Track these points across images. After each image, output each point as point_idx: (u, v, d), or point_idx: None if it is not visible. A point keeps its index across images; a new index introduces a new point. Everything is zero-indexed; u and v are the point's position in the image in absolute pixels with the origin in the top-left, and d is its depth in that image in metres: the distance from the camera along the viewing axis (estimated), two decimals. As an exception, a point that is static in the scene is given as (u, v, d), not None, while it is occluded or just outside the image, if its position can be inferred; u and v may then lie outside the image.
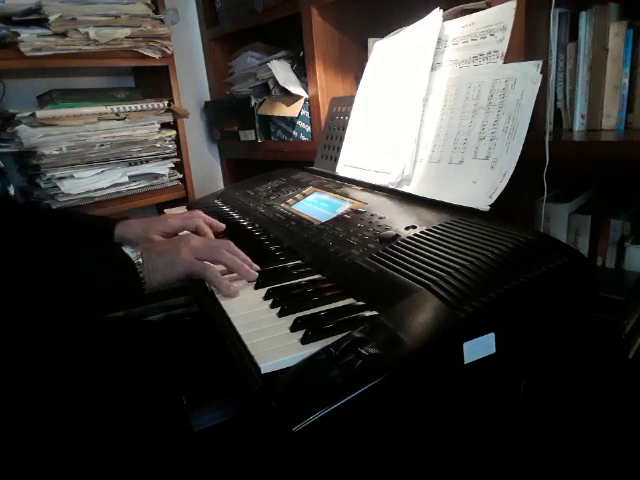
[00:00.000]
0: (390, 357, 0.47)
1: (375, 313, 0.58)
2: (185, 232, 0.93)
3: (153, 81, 1.59)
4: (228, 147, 1.82)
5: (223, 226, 0.96)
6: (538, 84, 0.74)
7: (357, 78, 1.27)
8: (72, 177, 1.36)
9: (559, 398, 0.65)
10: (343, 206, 0.89)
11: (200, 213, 0.95)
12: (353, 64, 1.38)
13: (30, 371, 0.66)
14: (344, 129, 1.14)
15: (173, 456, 0.67)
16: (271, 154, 1.55)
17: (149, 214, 1.65)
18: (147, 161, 1.53)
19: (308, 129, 1.42)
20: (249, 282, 0.72)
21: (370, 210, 0.83)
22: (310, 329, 0.55)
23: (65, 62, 1.30)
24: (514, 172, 0.72)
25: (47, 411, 0.64)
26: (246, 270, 0.73)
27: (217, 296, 0.70)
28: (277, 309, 0.62)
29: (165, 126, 1.56)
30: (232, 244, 0.77)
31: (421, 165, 0.90)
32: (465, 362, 0.49)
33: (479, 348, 0.49)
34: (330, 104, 1.27)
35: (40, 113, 1.28)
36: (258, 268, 0.75)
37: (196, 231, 0.92)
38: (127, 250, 0.69)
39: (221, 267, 0.74)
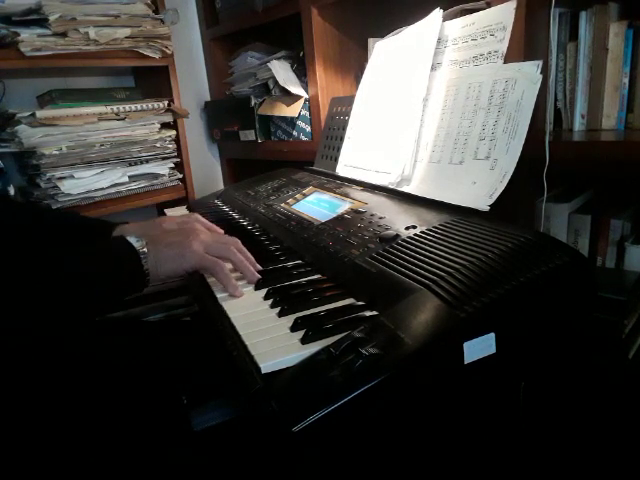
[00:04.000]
0: (390, 357, 0.47)
1: (375, 313, 0.58)
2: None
3: (153, 81, 1.59)
4: (228, 147, 1.82)
5: (221, 231, 0.94)
6: (538, 85, 0.74)
7: (357, 78, 1.27)
8: (72, 177, 1.36)
9: (559, 398, 0.65)
10: (343, 206, 0.89)
11: (198, 217, 0.94)
12: (353, 64, 1.38)
13: (29, 371, 0.66)
14: (344, 129, 1.14)
15: (173, 456, 0.67)
16: (271, 154, 1.55)
17: (149, 214, 1.65)
18: (147, 161, 1.53)
19: (308, 129, 1.42)
20: (249, 283, 0.72)
21: (370, 210, 0.83)
22: (310, 329, 0.55)
23: (65, 62, 1.30)
24: (514, 172, 0.72)
25: (47, 411, 0.64)
26: (252, 272, 0.73)
27: (217, 296, 0.70)
28: (277, 309, 0.62)
29: (165, 126, 1.56)
30: (239, 242, 0.76)
31: (421, 165, 0.90)
32: (465, 362, 0.49)
33: (479, 348, 0.49)
34: (330, 104, 1.27)
35: (40, 113, 1.28)
36: (260, 268, 0.75)
37: None
38: (131, 239, 0.67)
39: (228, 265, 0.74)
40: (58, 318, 0.62)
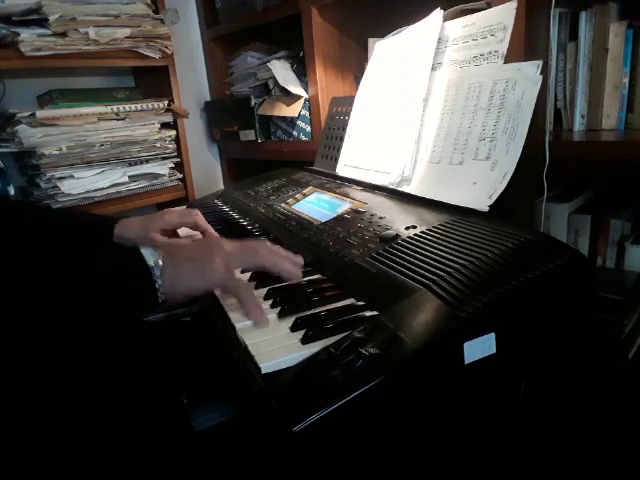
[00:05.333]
0: (390, 357, 0.47)
1: (375, 313, 0.58)
2: (195, 233, 0.93)
3: (153, 81, 1.59)
4: (228, 147, 1.82)
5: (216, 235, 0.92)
6: (538, 86, 0.74)
7: (357, 78, 1.27)
8: (72, 177, 1.36)
9: (559, 398, 0.65)
10: (343, 206, 0.89)
11: (197, 211, 0.94)
12: (353, 64, 1.38)
13: (30, 371, 0.66)
14: (344, 129, 1.14)
15: (173, 456, 0.67)
16: (271, 154, 1.55)
17: (149, 214, 1.65)
18: (147, 161, 1.53)
19: (308, 129, 1.42)
20: (295, 279, 0.66)
21: (370, 210, 0.83)
22: (310, 329, 0.55)
23: (65, 62, 1.30)
24: (514, 172, 0.72)
25: (47, 411, 0.64)
26: (290, 271, 0.66)
27: (217, 296, 0.70)
28: (277, 309, 0.62)
29: (165, 126, 1.56)
30: (268, 242, 0.69)
31: (421, 165, 0.90)
32: (465, 362, 0.49)
33: (479, 348, 0.49)
34: (330, 104, 1.27)
35: (40, 113, 1.28)
36: (302, 261, 0.68)
37: (195, 227, 0.92)
38: (146, 252, 0.59)
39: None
40: (55, 322, 0.60)
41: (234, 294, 0.63)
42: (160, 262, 0.58)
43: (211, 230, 0.93)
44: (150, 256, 0.59)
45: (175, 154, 1.59)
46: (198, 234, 0.94)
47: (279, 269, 0.66)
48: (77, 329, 0.58)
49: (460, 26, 0.90)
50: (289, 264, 0.66)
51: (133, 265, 0.59)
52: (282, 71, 1.43)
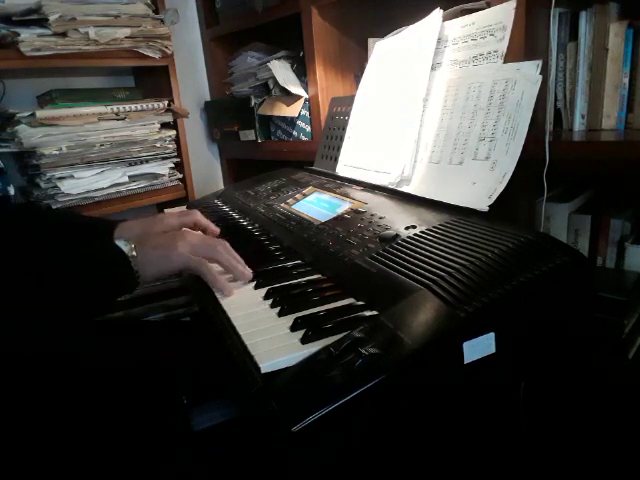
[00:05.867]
0: (390, 357, 0.47)
1: (375, 313, 0.58)
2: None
3: (153, 81, 1.59)
4: (228, 147, 1.82)
5: (217, 230, 0.94)
6: (538, 85, 0.74)
7: (357, 78, 1.27)
8: (72, 177, 1.36)
9: (559, 398, 0.65)
10: (343, 206, 0.89)
11: (197, 213, 0.94)
12: (353, 64, 1.38)
13: (29, 371, 0.66)
14: (344, 129, 1.14)
15: (173, 456, 0.67)
16: (271, 154, 1.55)
17: (149, 214, 1.65)
18: (147, 161, 1.53)
19: (308, 129, 1.42)
20: (242, 282, 0.73)
21: (370, 210, 0.83)
22: (310, 329, 0.55)
23: (65, 62, 1.30)
24: (514, 172, 0.72)
25: (47, 412, 0.64)
26: (241, 271, 0.73)
27: (217, 296, 0.70)
28: (277, 309, 0.62)
29: (165, 126, 1.56)
30: (228, 244, 0.76)
31: (421, 165, 0.90)
32: (465, 362, 0.49)
33: (479, 348, 0.49)
34: (330, 104, 1.27)
35: (40, 113, 1.28)
36: (251, 271, 0.74)
37: (194, 227, 0.92)
38: (120, 243, 0.68)
39: (218, 268, 0.74)
40: (52, 320, 0.62)
41: (197, 273, 0.71)
42: (134, 252, 0.68)
43: (212, 227, 0.92)
44: (124, 247, 0.68)
45: (175, 154, 1.59)
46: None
47: (230, 266, 0.73)
48: (68, 311, 0.64)
49: (459, 26, 0.90)
50: (240, 266, 0.74)
51: (113, 254, 0.67)
52: (282, 71, 1.43)
